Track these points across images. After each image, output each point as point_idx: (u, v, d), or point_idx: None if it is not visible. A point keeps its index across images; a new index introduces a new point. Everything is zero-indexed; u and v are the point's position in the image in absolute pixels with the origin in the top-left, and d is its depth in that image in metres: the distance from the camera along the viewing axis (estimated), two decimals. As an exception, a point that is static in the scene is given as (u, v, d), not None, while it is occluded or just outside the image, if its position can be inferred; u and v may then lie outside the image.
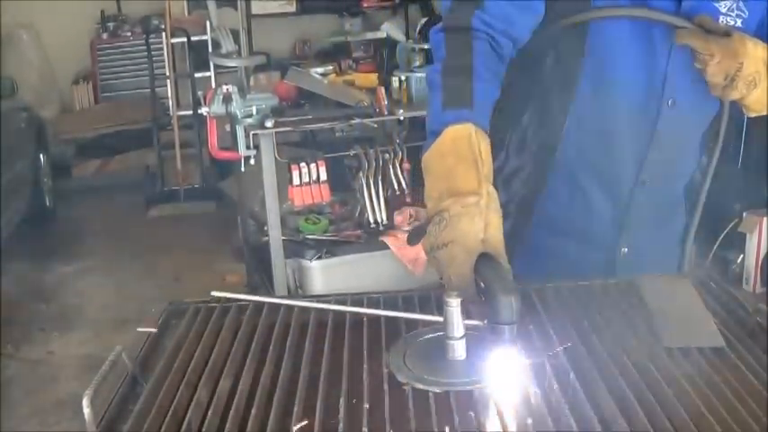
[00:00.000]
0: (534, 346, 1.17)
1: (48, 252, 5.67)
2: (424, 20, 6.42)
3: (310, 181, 3.86)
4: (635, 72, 1.51)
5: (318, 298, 1.38)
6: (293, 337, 1.24)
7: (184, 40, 6.43)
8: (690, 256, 1.74)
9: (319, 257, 3.93)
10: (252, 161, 3.81)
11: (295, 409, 1.04)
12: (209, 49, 6.25)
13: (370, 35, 7.29)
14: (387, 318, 1.28)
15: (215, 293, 1.38)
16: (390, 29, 7.04)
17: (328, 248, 3.96)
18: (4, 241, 5.11)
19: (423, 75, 4.14)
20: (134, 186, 6.70)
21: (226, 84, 3.90)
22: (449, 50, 1.40)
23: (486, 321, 1.10)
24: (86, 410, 0.98)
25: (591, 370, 1.11)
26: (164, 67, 6.54)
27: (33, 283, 5.17)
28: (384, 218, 4.03)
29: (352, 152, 3.98)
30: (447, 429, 0.98)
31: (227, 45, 5.57)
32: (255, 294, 4.32)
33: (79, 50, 7.53)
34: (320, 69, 4.66)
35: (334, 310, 1.32)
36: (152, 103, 6.43)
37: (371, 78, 4.43)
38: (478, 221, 1.17)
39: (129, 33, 7.57)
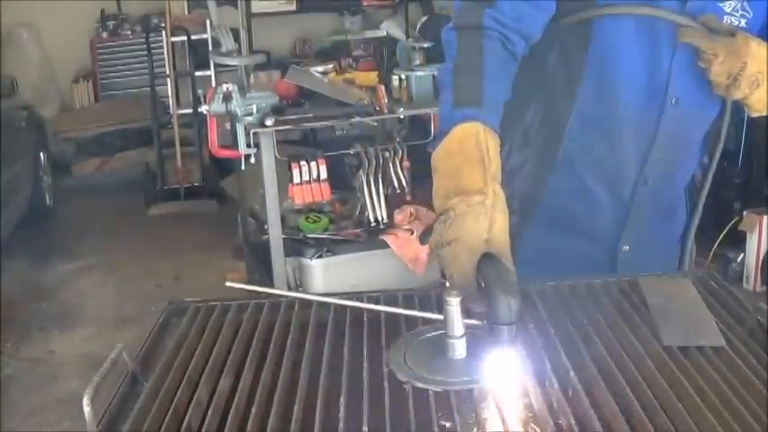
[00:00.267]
0: (534, 344, 1.17)
1: (48, 250, 5.67)
2: (424, 18, 6.41)
3: (310, 179, 3.85)
4: (638, 70, 1.51)
5: (318, 296, 1.37)
6: (293, 336, 1.24)
7: (184, 38, 6.43)
8: (690, 255, 1.74)
9: (319, 256, 3.93)
10: (252, 159, 3.80)
11: (295, 407, 1.04)
12: (210, 48, 6.24)
13: (370, 34, 7.28)
14: (387, 316, 1.28)
15: (229, 284, 1.37)
16: (390, 27, 7.02)
17: (329, 247, 3.96)
18: (4, 240, 5.11)
19: (423, 73, 4.14)
20: (134, 185, 6.70)
21: (226, 82, 3.90)
22: (460, 49, 1.40)
23: (485, 322, 1.10)
24: (87, 409, 0.98)
25: (591, 369, 1.11)
26: (164, 66, 6.54)
27: (33, 282, 5.17)
28: (384, 216, 4.03)
29: (352, 150, 3.98)
30: (448, 425, 0.98)
31: (228, 44, 5.56)
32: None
33: (79, 49, 7.53)
34: (320, 68, 4.66)
35: (334, 311, 1.32)
36: (152, 102, 6.42)
37: (371, 77, 4.42)
38: (483, 221, 1.16)
39: (129, 32, 7.57)
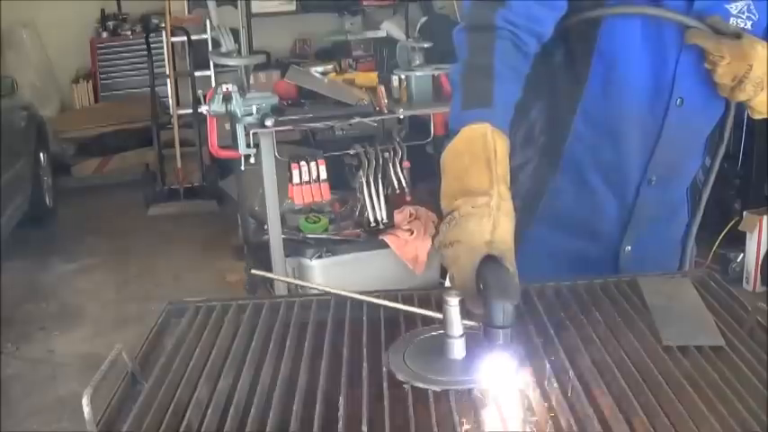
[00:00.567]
0: (534, 344, 1.17)
1: (48, 251, 5.67)
2: (423, 18, 6.42)
3: (310, 180, 3.85)
4: (644, 71, 1.51)
5: (318, 297, 1.37)
6: (293, 336, 1.24)
7: (184, 38, 6.43)
8: (691, 255, 1.74)
9: (319, 256, 3.94)
10: (252, 160, 3.80)
11: (294, 408, 1.04)
12: (209, 48, 6.24)
13: (369, 34, 7.29)
14: (386, 317, 1.28)
15: (255, 272, 1.38)
16: (390, 27, 7.04)
17: (328, 247, 3.96)
18: (4, 240, 5.11)
19: (423, 73, 4.14)
20: (134, 185, 6.70)
21: (226, 82, 3.90)
22: (470, 50, 1.40)
23: (481, 324, 1.10)
24: (86, 409, 0.98)
25: (591, 369, 1.11)
26: (164, 66, 6.54)
27: (33, 282, 5.17)
28: (384, 217, 4.03)
29: (352, 151, 3.98)
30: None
31: (227, 44, 5.56)
32: (256, 293, 4.33)
33: (79, 49, 7.54)
34: (320, 68, 4.67)
35: (333, 311, 1.32)
36: (152, 102, 6.43)
37: (371, 77, 4.42)
38: (486, 223, 1.16)
39: (129, 32, 7.58)
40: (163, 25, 6.66)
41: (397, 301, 1.33)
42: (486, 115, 1.28)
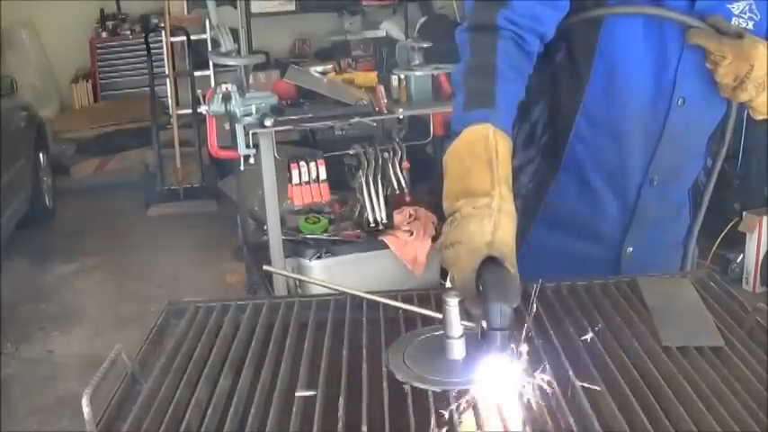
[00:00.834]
0: (534, 344, 1.17)
1: (47, 251, 5.67)
2: (423, 18, 6.43)
3: (310, 180, 3.85)
4: (646, 71, 1.51)
5: (318, 296, 1.38)
6: (293, 337, 1.24)
7: (184, 38, 6.44)
8: (693, 256, 1.74)
9: (319, 257, 3.93)
10: (251, 160, 3.80)
11: (294, 408, 1.04)
12: (209, 48, 6.24)
13: (369, 34, 7.30)
14: (386, 317, 1.28)
15: (266, 268, 1.39)
16: (390, 27, 7.04)
17: (328, 248, 3.96)
18: (3, 240, 5.11)
19: (422, 73, 4.14)
20: (133, 185, 6.70)
21: (225, 82, 3.90)
22: (473, 50, 1.40)
23: (479, 326, 1.10)
24: (86, 409, 0.98)
25: (591, 369, 1.11)
26: (163, 66, 6.55)
27: (33, 283, 5.17)
28: (384, 217, 4.02)
29: (351, 151, 3.98)
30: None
31: (227, 44, 5.55)
32: (256, 293, 4.32)
33: (79, 49, 7.54)
34: (319, 68, 4.66)
35: (333, 310, 1.32)
36: (151, 102, 6.42)
37: (371, 77, 4.42)
38: (487, 224, 1.16)
39: (128, 32, 7.58)
40: (162, 25, 6.67)
41: (396, 301, 1.33)
42: (488, 116, 1.28)
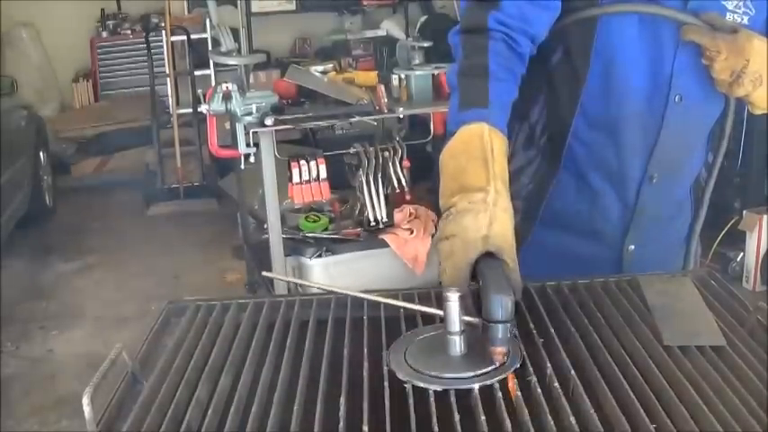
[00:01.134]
0: (535, 343, 1.17)
1: (47, 250, 5.67)
2: (423, 18, 6.42)
3: (310, 179, 3.85)
4: (642, 69, 1.52)
5: (318, 296, 1.37)
6: (293, 336, 1.24)
7: (184, 38, 6.44)
8: (695, 254, 1.74)
9: (319, 255, 3.93)
10: (252, 159, 3.80)
11: (295, 407, 1.03)
12: (209, 47, 6.25)
13: (369, 33, 7.30)
14: (387, 316, 1.28)
15: (265, 274, 1.38)
16: (390, 27, 7.04)
17: (328, 246, 3.96)
18: (3, 239, 5.11)
19: (422, 73, 4.14)
20: (134, 184, 6.71)
21: (225, 82, 3.89)
22: (465, 52, 1.41)
23: (480, 320, 1.10)
24: (86, 408, 0.98)
25: (592, 368, 1.11)
26: (163, 65, 6.55)
27: (33, 281, 5.17)
28: (384, 216, 4.02)
29: (351, 150, 3.97)
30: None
31: (227, 43, 5.56)
32: (256, 292, 4.32)
33: (79, 48, 7.55)
34: (320, 67, 4.66)
35: (334, 310, 1.32)
36: (152, 101, 6.43)
37: (371, 76, 4.42)
38: (482, 218, 1.17)
39: (128, 31, 7.59)
40: (163, 24, 6.67)
41: (397, 300, 1.33)
42: (482, 115, 1.29)
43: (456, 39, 1.44)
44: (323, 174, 3.85)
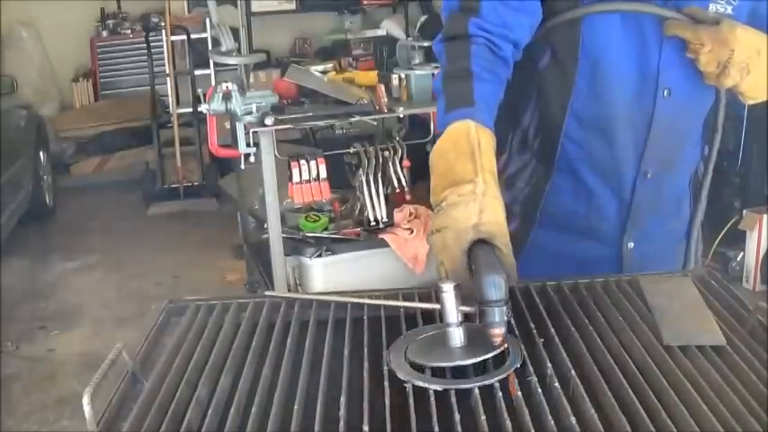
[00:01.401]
0: (535, 343, 1.17)
1: (48, 249, 5.67)
2: (423, 17, 6.41)
3: (310, 178, 3.84)
4: (629, 65, 1.53)
5: (318, 296, 1.37)
6: (293, 335, 1.24)
7: (184, 37, 6.44)
8: (696, 251, 1.74)
9: (319, 255, 3.92)
10: (252, 159, 3.80)
11: (295, 407, 1.03)
12: (209, 47, 6.24)
13: (369, 33, 7.30)
14: (387, 316, 1.28)
15: (268, 293, 1.38)
16: (390, 26, 7.04)
17: (328, 246, 3.95)
18: (4, 239, 5.11)
19: (422, 72, 4.13)
20: (134, 184, 6.71)
21: (225, 81, 3.89)
22: (448, 58, 1.44)
23: (476, 307, 1.11)
24: (86, 408, 0.98)
25: (592, 368, 1.11)
26: (163, 65, 6.55)
27: (33, 281, 5.17)
28: (384, 215, 4.02)
29: (351, 150, 3.97)
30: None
31: (227, 43, 5.55)
32: (256, 292, 4.32)
33: (79, 48, 7.54)
34: (320, 67, 4.66)
35: (334, 310, 1.32)
36: (152, 101, 6.43)
37: (371, 76, 4.41)
38: (472, 207, 1.19)
39: (128, 31, 7.58)
40: (163, 24, 6.67)
41: (397, 300, 1.33)
42: (468, 113, 1.31)
43: (439, 46, 1.47)
44: (323, 173, 3.84)
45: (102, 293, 4.95)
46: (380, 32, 7.11)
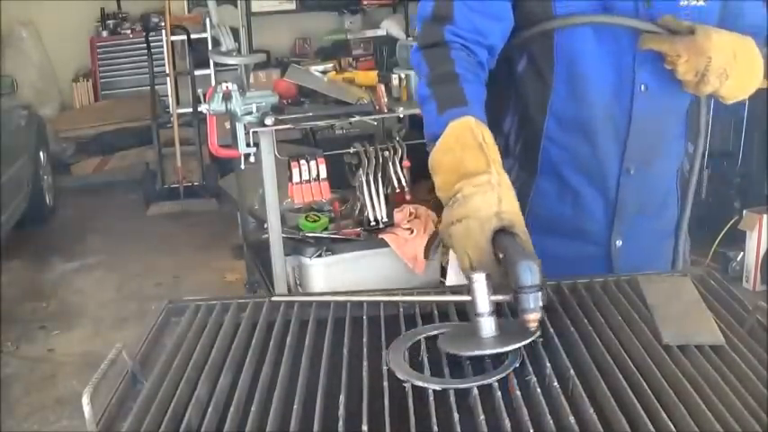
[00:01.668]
0: (535, 343, 1.17)
1: (48, 250, 5.67)
2: (423, 17, 6.41)
3: (310, 179, 3.84)
4: (604, 66, 1.54)
5: (318, 296, 1.37)
6: (293, 335, 1.24)
7: (184, 37, 6.44)
8: (684, 247, 1.74)
9: (319, 255, 3.93)
10: (252, 159, 3.80)
11: (295, 407, 1.03)
12: (209, 47, 6.24)
13: (369, 33, 7.30)
14: (386, 315, 1.28)
15: (275, 298, 1.38)
16: (390, 26, 7.03)
17: (328, 246, 3.95)
18: (3, 239, 5.11)
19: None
20: (134, 184, 6.71)
21: (225, 81, 3.89)
22: (430, 64, 1.46)
23: (510, 295, 1.11)
24: (86, 408, 0.98)
25: (591, 368, 1.11)
26: (163, 65, 6.55)
27: (33, 281, 5.17)
28: (384, 215, 4.02)
29: (351, 150, 3.97)
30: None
31: (227, 43, 5.55)
32: (256, 292, 4.32)
33: (79, 48, 7.54)
34: (320, 67, 4.66)
35: (333, 309, 1.32)
36: (152, 101, 6.43)
37: (371, 76, 4.42)
38: (491, 196, 1.21)
39: (128, 31, 7.58)
40: (162, 24, 6.67)
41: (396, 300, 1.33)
42: (464, 111, 1.34)
43: (417, 55, 1.49)
44: (323, 173, 3.84)
45: (102, 293, 4.95)
46: (380, 32, 7.11)
